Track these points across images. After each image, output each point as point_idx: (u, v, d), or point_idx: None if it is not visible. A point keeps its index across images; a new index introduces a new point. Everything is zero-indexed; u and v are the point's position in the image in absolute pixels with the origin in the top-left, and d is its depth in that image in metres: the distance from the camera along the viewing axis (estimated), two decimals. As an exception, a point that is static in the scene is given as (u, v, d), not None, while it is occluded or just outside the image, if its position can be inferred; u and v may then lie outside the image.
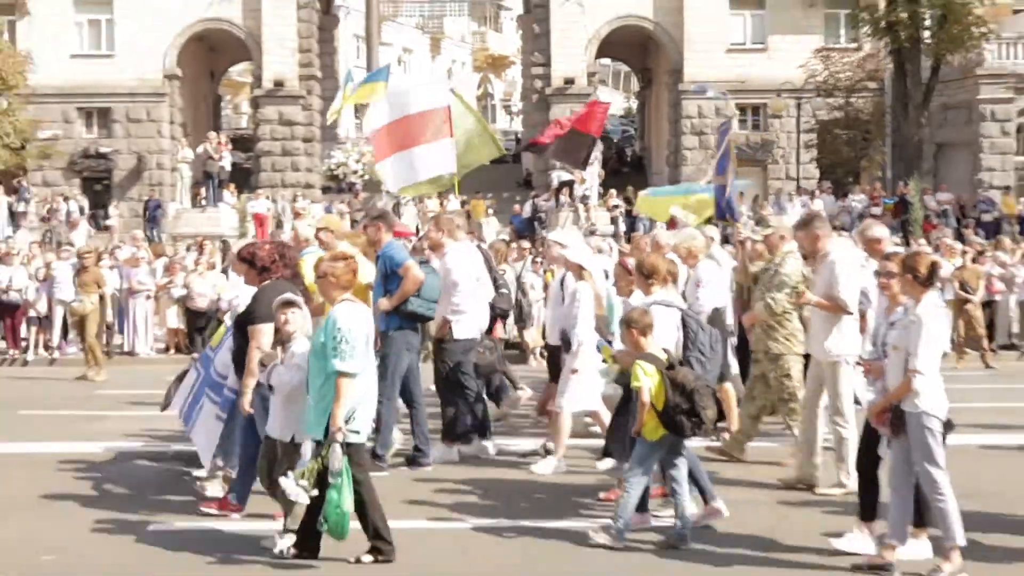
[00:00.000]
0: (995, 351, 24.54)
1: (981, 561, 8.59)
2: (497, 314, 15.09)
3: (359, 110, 50.91)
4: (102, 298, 22.70)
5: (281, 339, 9.20)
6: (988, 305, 24.88)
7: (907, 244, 29.92)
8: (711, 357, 9.81)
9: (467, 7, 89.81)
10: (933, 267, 8.34)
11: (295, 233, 13.53)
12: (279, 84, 47.60)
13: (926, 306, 8.27)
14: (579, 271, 11.99)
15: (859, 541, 8.89)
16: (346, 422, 8.34)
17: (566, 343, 12.14)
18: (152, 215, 41.22)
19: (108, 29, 47.52)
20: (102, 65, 47.15)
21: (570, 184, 39.99)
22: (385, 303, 11.83)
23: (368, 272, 11.70)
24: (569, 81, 48.24)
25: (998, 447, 13.38)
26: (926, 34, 41.04)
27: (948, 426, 8.33)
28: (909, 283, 8.36)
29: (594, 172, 39.54)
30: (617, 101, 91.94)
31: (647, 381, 9.09)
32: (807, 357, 11.61)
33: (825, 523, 9.72)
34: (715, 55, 47.98)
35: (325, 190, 47.74)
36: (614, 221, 38.76)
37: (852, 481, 10.13)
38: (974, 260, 25.03)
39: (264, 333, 9.59)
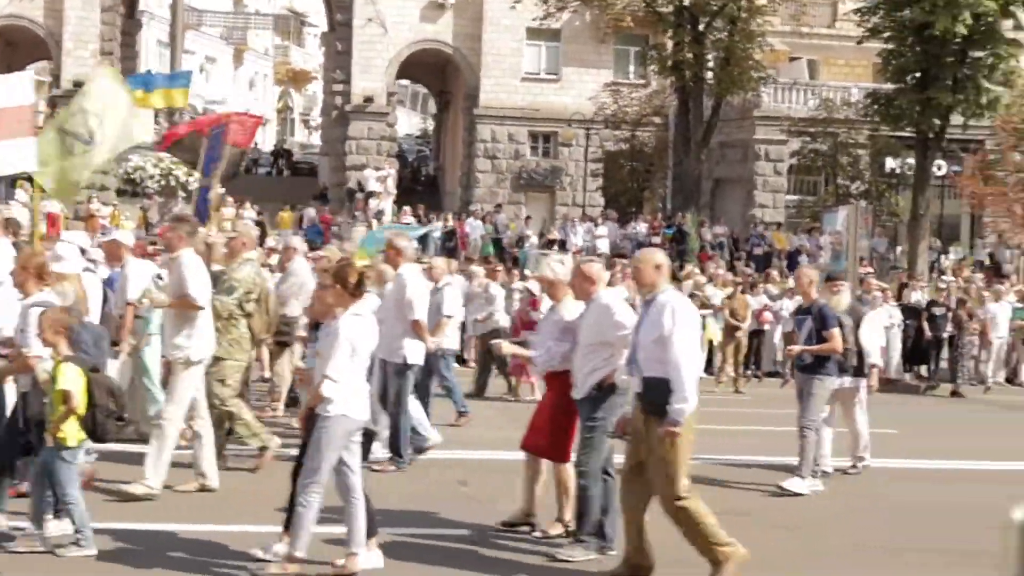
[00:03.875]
0: (760, 377, 26.24)
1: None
2: None
3: (157, 114, 50.86)
4: None
5: None
6: (757, 335, 26.59)
7: (681, 271, 31.63)
8: (95, 355, 9.35)
9: (272, 21, 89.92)
10: (361, 278, 8.51)
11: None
12: (78, 85, 47.04)
13: (347, 316, 8.35)
14: None
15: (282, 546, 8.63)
16: None
17: None
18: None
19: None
20: None
21: (367, 197, 40.67)
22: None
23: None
24: (368, 99, 49.18)
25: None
26: (709, 75, 43.01)
27: (368, 435, 8.57)
28: (338, 293, 8.47)
29: (388, 189, 40.47)
30: (413, 121, 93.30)
31: (75, 384, 8.51)
32: None
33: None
34: (510, 82, 49.53)
35: (120, 193, 47.57)
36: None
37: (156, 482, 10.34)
38: (743, 291, 26.41)
39: None
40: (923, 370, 27.58)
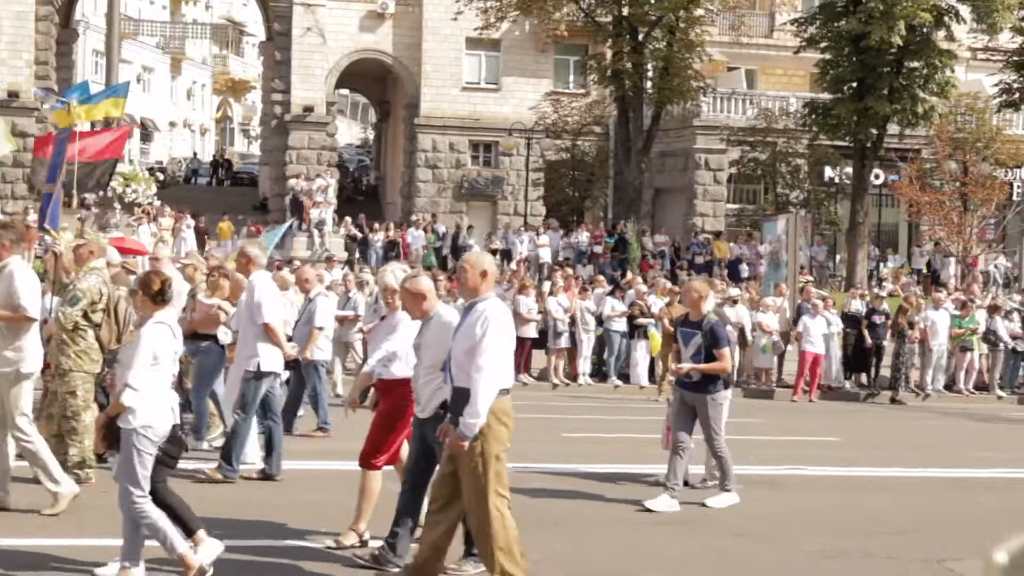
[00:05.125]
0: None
1: None
2: None
3: (94, 124, 50.51)
4: None
5: None
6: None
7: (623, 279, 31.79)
8: None
9: (209, 30, 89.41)
10: (163, 286, 8.31)
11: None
12: (13, 95, 46.90)
13: (151, 323, 8.23)
14: None
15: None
16: None
17: None
18: None
19: None
20: None
21: (300, 208, 40.49)
22: None
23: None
24: (308, 109, 49.03)
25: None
26: (648, 84, 43.24)
27: (176, 444, 8.31)
28: (142, 300, 8.40)
29: (329, 198, 40.33)
30: (354, 131, 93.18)
31: None
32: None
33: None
34: (451, 92, 49.58)
35: (57, 204, 47.01)
36: (348, 248, 39.54)
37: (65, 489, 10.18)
38: (680, 300, 26.44)
39: None
40: (863, 378, 27.78)
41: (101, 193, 32.52)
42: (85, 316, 11.47)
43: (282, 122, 49.53)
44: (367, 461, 9.53)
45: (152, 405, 8.07)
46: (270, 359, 12.43)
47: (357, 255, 39.48)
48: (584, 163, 50.08)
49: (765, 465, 14.80)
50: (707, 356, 11.96)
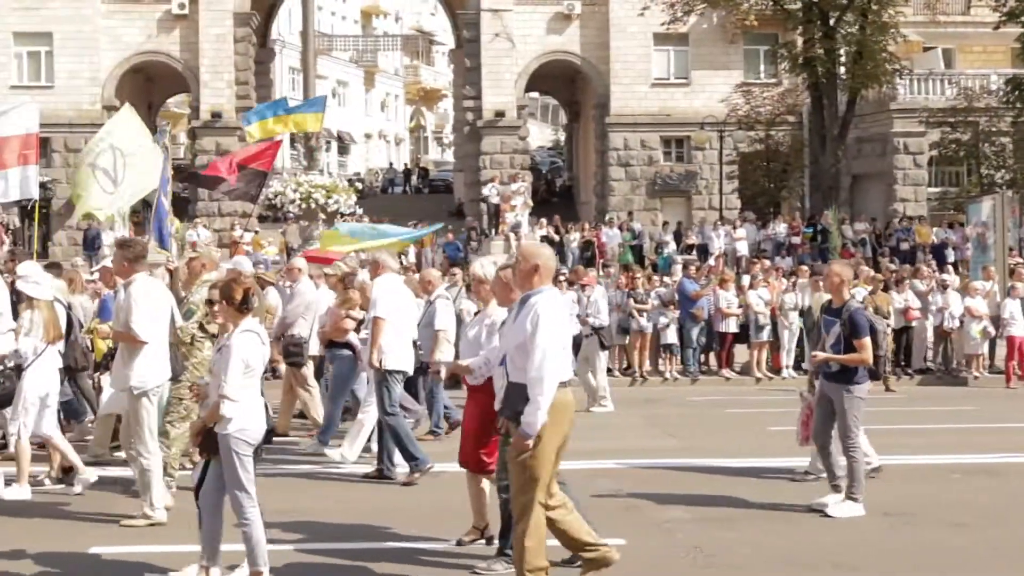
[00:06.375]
0: (911, 375, 25.79)
1: None
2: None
3: (295, 139, 51.83)
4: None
5: None
6: (905, 331, 26.04)
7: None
8: None
9: (400, 42, 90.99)
10: (247, 294, 8.35)
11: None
12: (216, 116, 48.53)
13: (238, 332, 8.28)
14: None
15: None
16: None
17: None
18: (91, 244, 41.81)
19: (47, 61, 48.36)
20: (41, 96, 47.66)
21: (497, 213, 40.83)
22: None
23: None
24: (500, 114, 49.42)
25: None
26: (842, 70, 42.42)
27: (257, 452, 8.35)
28: (225, 309, 8.44)
29: (524, 202, 40.55)
30: (545, 133, 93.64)
31: None
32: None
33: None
34: (640, 89, 49.38)
35: (262, 219, 48.53)
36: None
37: (158, 513, 10.27)
38: (885, 288, 25.86)
39: None
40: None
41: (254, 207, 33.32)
42: (201, 328, 11.76)
43: (474, 128, 50.05)
44: (476, 467, 9.44)
45: (247, 411, 8.24)
46: (392, 359, 12.60)
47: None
48: (779, 153, 49.36)
49: (982, 453, 14.42)
50: (847, 346, 11.16)
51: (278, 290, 18.51)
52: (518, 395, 7.93)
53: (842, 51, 42.24)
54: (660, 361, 25.67)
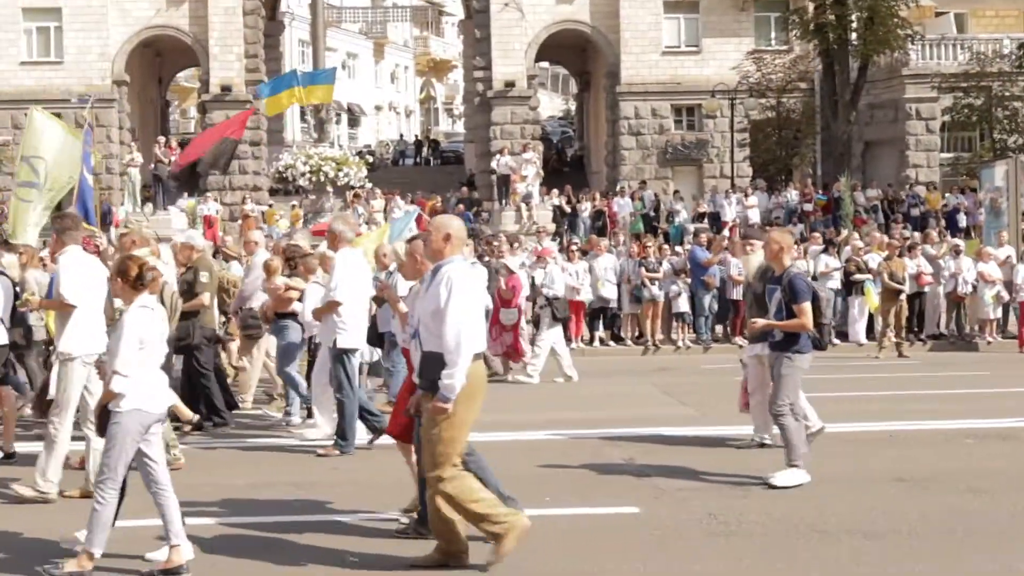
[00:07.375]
0: (924, 340, 25.82)
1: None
2: None
3: (305, 112, 51.77)
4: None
5: None
6: (917, 297, 26.02)
7: (838, 237, 31.27)
8: None
9: (409, 13, 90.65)
10: (142, 270, 8.27)
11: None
12: (226, 89, 48.42)
13: (133, 308, 8.20)
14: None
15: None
16: None
17: None
18: (103, 219, 41.85)
19: (56, 36, 48.27)
20: (51, 71, 47.84)
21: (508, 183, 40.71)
22: None
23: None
24: (510, 84, 49.25)
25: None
26: (853, 36, 42.27)
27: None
28: (121, 286, 8.32)
29: (535, 172, 40.43)
30: (556, 103, 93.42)
31: None
32: None
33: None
34: (650, 57, 49.16)
35: (273, 192, 48.55)
36: (556, 220, 39.61)
37: (49, 486, 10.17)
38: (900, 254, 25.88)
39: None
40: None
41: (217, 173, 33.23)
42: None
43: (485, 99, 49.88)
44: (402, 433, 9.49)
45: (142, 389, 8.09)
46: (347, 337, 12.73)
47: (565, 226, 39.55)
48: (790, 120, 49.16)
49: (996, 418, 14.42)
50: (789, 313, 10.98)
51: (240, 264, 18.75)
52: (434, 363, 7.97)
53: (854, 17, 42.19)
54: (672, 329, 25.71)
